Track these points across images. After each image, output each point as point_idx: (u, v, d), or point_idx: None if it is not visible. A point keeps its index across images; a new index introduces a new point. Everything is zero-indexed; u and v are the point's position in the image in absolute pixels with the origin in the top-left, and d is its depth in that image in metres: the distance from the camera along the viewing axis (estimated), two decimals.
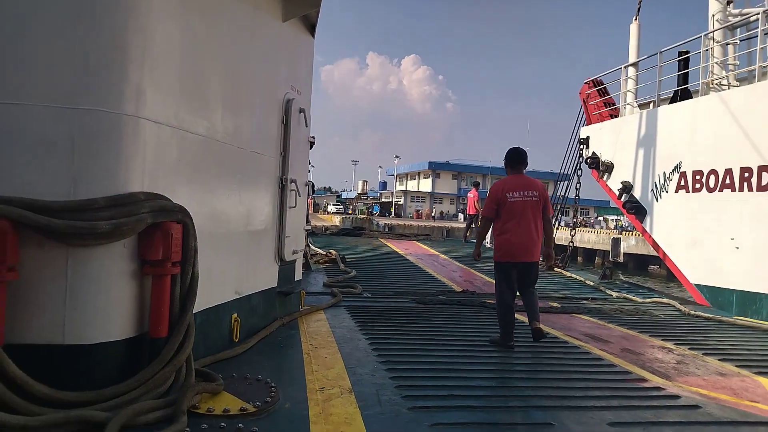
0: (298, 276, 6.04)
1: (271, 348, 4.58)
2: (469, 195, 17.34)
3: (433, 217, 66.24)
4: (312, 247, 11.49)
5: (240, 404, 3.13)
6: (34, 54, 2.91)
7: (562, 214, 14.05)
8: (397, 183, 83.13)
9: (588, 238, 35.04)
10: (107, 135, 3.01)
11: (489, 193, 5.54)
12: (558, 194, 14.55)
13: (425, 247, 14.95)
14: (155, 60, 3.25)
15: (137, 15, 3.11)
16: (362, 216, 42.39)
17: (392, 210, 72.84)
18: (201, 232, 3.44)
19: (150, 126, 3.19)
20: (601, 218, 62.07)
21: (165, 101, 3.35)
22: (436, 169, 75.56)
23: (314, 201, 70.80)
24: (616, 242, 27.93)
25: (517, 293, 5.40)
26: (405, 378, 3.97)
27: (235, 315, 4.34)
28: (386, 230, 29.55)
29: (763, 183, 7.99)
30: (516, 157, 5.51)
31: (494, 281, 5.57)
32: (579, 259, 33.61)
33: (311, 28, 6.02)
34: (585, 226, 44.51)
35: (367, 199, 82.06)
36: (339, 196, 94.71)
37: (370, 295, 7.84)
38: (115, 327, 3.01)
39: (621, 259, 29.06)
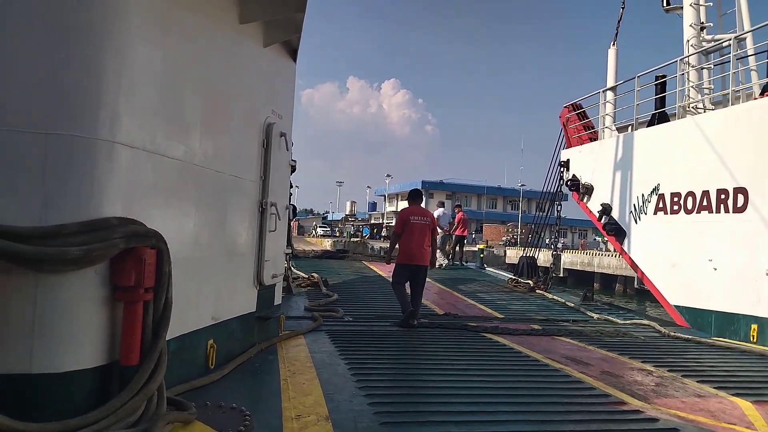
0: (277, 300, 5.98)
1: (248, 374, 4.51)
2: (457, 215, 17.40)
3: None
4: (294, 270, 11.41)
5: None
6: (7, 78, 2.89)
7: (559, 236, 13.66)
8: (387, 204, 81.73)
9: (608, 262, 30.79)
10: (80, 159, 2.98)
11: (399, 216, 7.93)
12: (540, 215, 14.62)
13: None
14: (131, 84, 3.24)
15: (112, 38, 3.11)
16: (356, 239, 39.75)
17: (383, 232, 70.74)
18: (177, 257, 3.40)
19: (125, 150, 3.17)
20: (598, 239, 60.93)
21: (141, 125, 3.34)
22: (429, 188, 71.78)
23: (299, 224, 69.53)
24: None
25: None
26: (384, 404, 3.93)
27: (211, 341, 4.27)
28: (382, 254, 27.72)
29: (739, 204, 8.14)
30: (415, 195, 8.23)
31: (392, 277, 7.82)
32: (596, 285, 29.55)
33: (293, 53, 6.06)
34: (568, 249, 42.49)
35: (355, 220, 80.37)
36: (325, 218, 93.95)
37: (351, 319, 7.78)
38: (84, 355, 2.94)
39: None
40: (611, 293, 28.47)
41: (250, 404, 3.59)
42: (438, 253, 16.24)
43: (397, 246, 7.85)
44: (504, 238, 57.72)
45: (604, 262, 31.26)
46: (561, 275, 12.22)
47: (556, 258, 13.50)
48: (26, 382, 2.77)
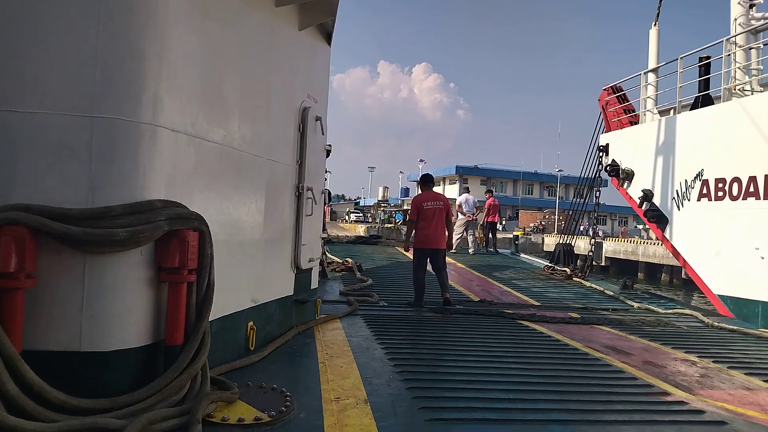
0: (314, 284, 6.02)
1: (286, 357, 4.56)
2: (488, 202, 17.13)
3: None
4: (328, 255, 11.48)
5: (255, 413, 3.11)
6: (53, 62, 2.93)
7: (598, 223, 13.24)
8: (420, 189, 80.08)
9: (653, 251, 29.39)
10: (125, 143, 3.02)
11: (413, 203, 8.13)
12: (578, 201, 14.30)
13: None
14: (172, 68, 3.26)
15: (154, 23, 3.13)
16: (390, 225, 38.90)
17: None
18: (217, 239, 3.43)
19: (167, 134, 3.20)
20: (639, 227, 58.91)
21: (182, 109, 3.36)
22: (463, 173, 69.48)
23: (331, 209, 69.40)
24: None
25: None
26: (421, 389, 3.92)
27: (251, 323, 4.32)
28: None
29: None
30: (426, 180, 8.53)
31: (413, 263, 8.07)
32: (640, 274, 28.84)
33: (327, 37, 6.03)
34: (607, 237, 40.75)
35: (387, 206, 79.56)
36: (357, 204, 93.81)
37: (386, 304, 7.79)
38: (131, 334, 3.01)
39: None
40: (656, 283, 27.37)
41: (289, 386, 3.62)
42: (470, 239, 16.11)
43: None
44: (532, 225, 55.76)
45: (649, 250, 29.81)
46: (602, 264, 11.56)
47: (597, 246, 13.02)
48: (76, 360, 2.85)
